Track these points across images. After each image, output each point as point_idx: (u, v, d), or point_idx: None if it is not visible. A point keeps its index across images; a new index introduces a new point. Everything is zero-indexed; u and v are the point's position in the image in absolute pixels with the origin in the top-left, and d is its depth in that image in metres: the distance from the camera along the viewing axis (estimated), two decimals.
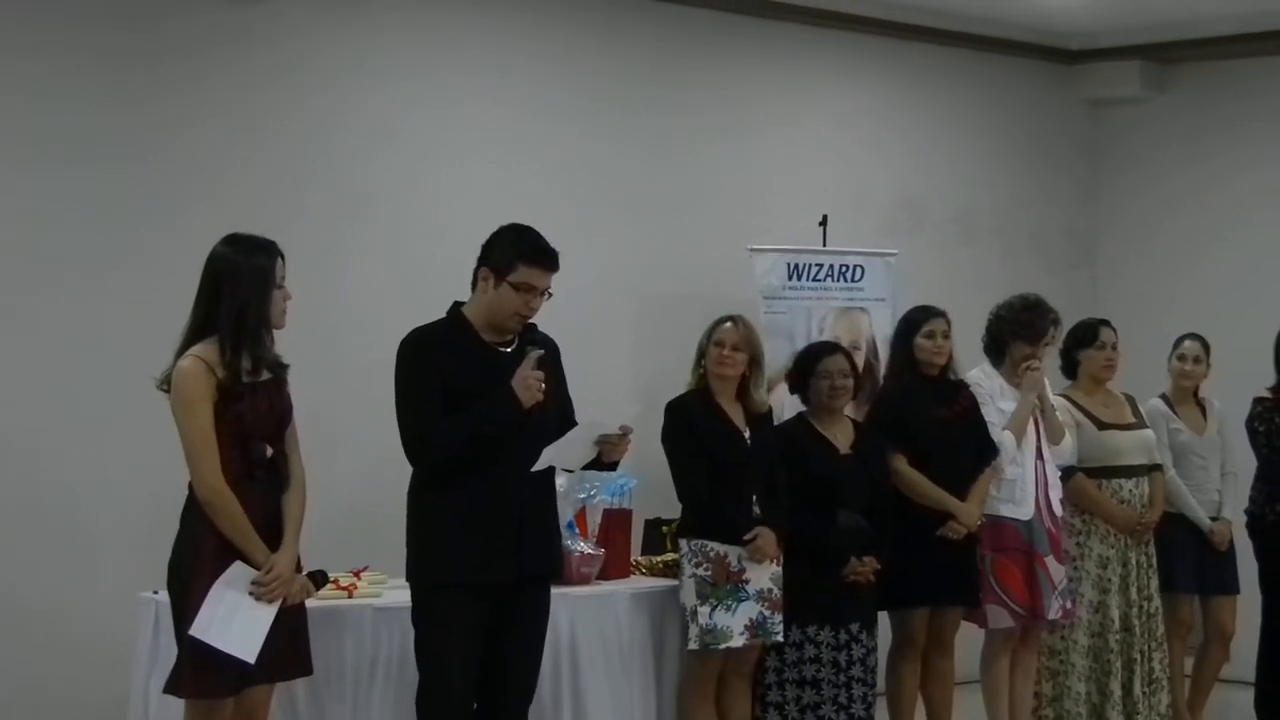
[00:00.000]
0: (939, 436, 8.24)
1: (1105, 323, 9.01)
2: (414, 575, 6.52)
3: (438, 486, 6.42)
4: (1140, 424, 8.96)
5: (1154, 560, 8.88)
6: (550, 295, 6.47)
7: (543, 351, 6.43)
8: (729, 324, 7.80)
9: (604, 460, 6.67)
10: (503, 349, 6.48)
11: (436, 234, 9.37)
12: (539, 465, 6.43)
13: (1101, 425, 8.83)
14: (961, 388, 8.43)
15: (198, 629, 5.78)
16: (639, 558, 8.35)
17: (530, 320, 6.49)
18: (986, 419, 8.38)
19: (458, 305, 6.56)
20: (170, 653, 6.12)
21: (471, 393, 6.33)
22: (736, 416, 7.78)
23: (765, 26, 10.78)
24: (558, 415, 6.54)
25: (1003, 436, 8.35)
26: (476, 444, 6.32)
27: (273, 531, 5.95)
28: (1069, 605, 8.51)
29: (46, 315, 8.42)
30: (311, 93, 9.21)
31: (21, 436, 8.34)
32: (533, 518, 6.52)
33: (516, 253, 6.41)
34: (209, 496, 5.82)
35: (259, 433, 5.93)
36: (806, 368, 8.15)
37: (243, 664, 5.82)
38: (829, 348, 8.32)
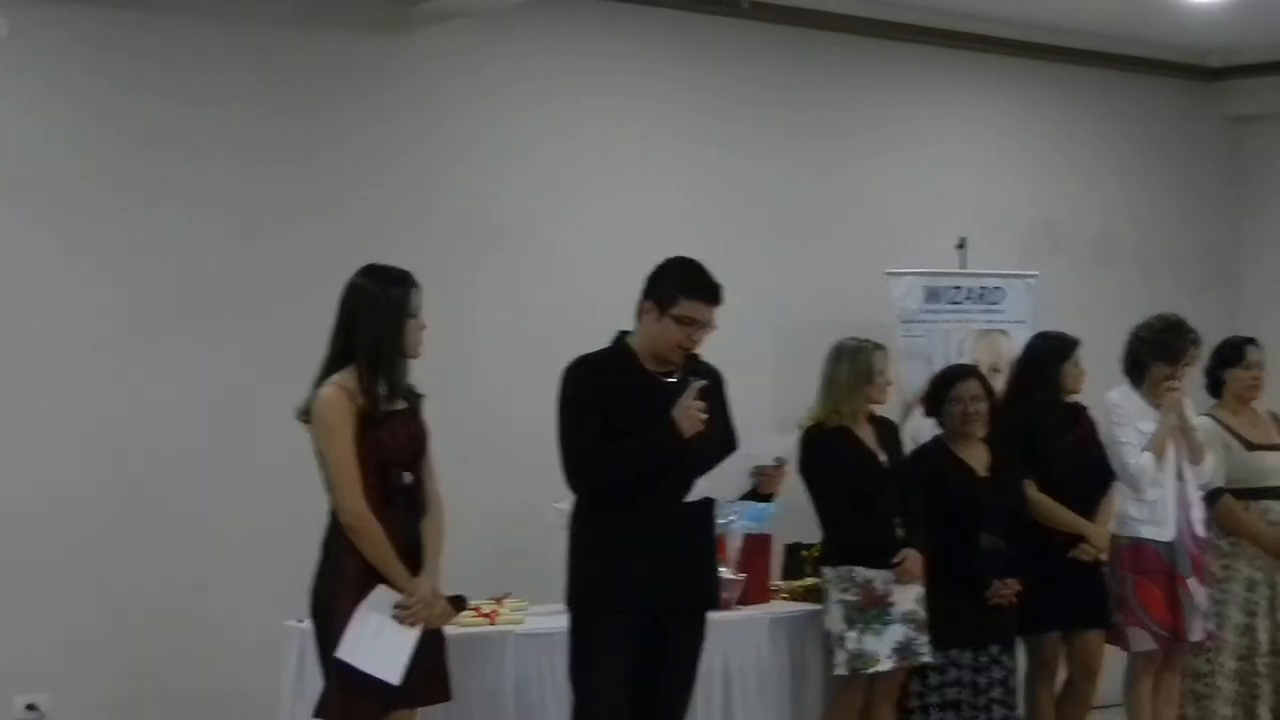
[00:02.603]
0: (1069, 460, 8.22)
1: (1252, 341, 8.90)
2: (572, 599, 6.58)
3: (598, 512, 6.49)
4: None
5: None
6: (714, 329, 6.50)
7: (705, 382, 6.47)
8: (880, 352, 7.83)
9: (760, 492, 6.69)
10: (666, 379, 6.52)
11: (570, 261, 9.43)
12: (696, 496, 6.46)
13: (1250, 446, 8.73)
14: (1082, 411, 8.41)
15: (343, 652, 5.87)
16: (779, 582, 8.36)
17: (693, 351, 6.53)
18: (1125, 440, 8.32)
19: (623, 334, 6.61)
20: (314, 680, 6.20)
21: (634, 421, 6.39)
22: (870, 440, 7.79)
23: (901, 49, 10.74)
24: (720, 443, 6.56)
25: (1142, 459, 8.28)
26: (637, 472, 6.37)
27: (412, 557, 6.03)
28: (1211, 627, 8.43)
29: (188, 350, 8.51)
30: (446, 120, 9.27)
31: (168, 470, 8.44)
32: (691, 547, 6.57)
33: (679, 286, 6.47)
34: (352, 522, 5.91)
35: (398, 460, 6.02)
36: (941, 392, 8.16)
37: (387, 686, 5.89)
38: (963, 371, 8.33)
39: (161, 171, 8.51)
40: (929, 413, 8.27)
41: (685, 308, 6.44)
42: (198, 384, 8.53)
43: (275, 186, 8.77)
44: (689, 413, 6.35)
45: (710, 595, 6.75)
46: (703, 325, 6.48)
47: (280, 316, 8.55)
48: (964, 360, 9.47)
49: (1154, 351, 8.44)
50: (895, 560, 7.64)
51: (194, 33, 8.61)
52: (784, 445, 6.74)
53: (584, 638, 6.52)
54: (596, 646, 6.46)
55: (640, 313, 6.55)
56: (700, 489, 6.46)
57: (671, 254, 6.64)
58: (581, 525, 6.58)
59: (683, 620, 6.59)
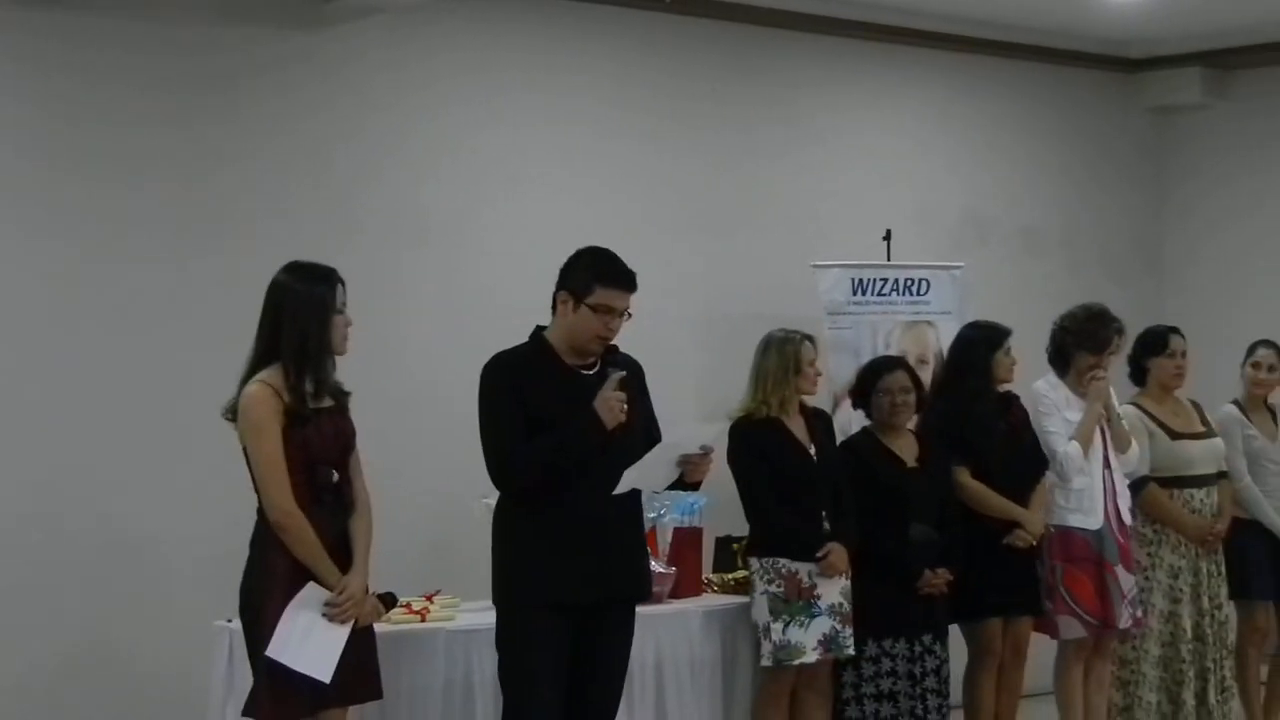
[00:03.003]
0: (1002, 448, 8.27)
1: (1175, 330, 8.97)
2: (500, 597, 6.55)
3: (523, 509, 6.45)
4: (1209, 432, 8.92)
5: (1223, 569, 8.85)
6: (630, 316, 6.50)
7: (625, 373, 6.44)
8: (809, 343, 7.86)
9: (686, 480, 6.68)
10: (585, 371, 6.50)
11: (497, 256, 9.42)
12: (623, 487, 6.43)
13: (1175, 435, 8.80)
14: (1013, 399, 8.47)
15: (274, 650, 5.84)
16: (710, 575, 8.37)
17: (611, 341, 6.52)
18: (1052, 429, 8.39)
19: (540, 329, 6.59)
20: (245, 680, 6.18)
21: (554, 416, 6.36)
22: (800, 431, 7.82)
23: (827, 42, 10.78)
24: (642, 435, 6.55)
25: (1069, 447, 8.34)
26: (560, 466, 6.35)
27: (340, 556, 6.01)
28: (1139, 614, 8.49)
29: (111, 348, 8.45)
30: (371, 117, 9.24)
31: (91, 472, 8.37)
32: (619, 539, 6.53)
33: (593, 275, 6.44)
34: (281, 519, 5.89)
35: (325, 458, 6.00)
36: (868, 384, 8.19)
37: (318, 684, 5.88)
38: (891, 363, 8.36)
39: (85, 171, 8.43)
40: (857, 404, 8.31)
41: (601, 296, 6.41)
42: (117, 385, 8.45)
43: (200, 186, 8.70)
44: (609, 404, 6.33)
45: (640, 586, 6.73)
46: (619, 313, 6.46)
47: (208, 315, 8.50)
48: (891, 352, 9.51)
49: (1079, 341, 8.50)
50: (819, 554, 7.68)
51: (107, 32, 8.51)
52: (709, 434, 6.73)
53: (514, 635, 6.49)
54: (527, 644, 6.43)
55: (555, 305, 6.53)
56: (627, 480, 6.45)
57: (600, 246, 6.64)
58: (507, 521, 6.55)
59: (613, 613, 6.57)
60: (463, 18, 9.49)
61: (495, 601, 6.57)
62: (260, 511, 5.96)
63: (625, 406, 6.37)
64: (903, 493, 7.97)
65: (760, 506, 7.78)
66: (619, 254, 6.55)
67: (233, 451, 6.06)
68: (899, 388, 8.10)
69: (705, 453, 6.60)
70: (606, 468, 6.38)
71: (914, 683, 7.95)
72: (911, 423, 8.22)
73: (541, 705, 6.41)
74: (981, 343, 8.42)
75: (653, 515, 7.98)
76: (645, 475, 6.51)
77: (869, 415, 8.21)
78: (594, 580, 6.43)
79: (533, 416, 6.37)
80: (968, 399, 8.31)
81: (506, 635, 6.52)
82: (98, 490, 8.39)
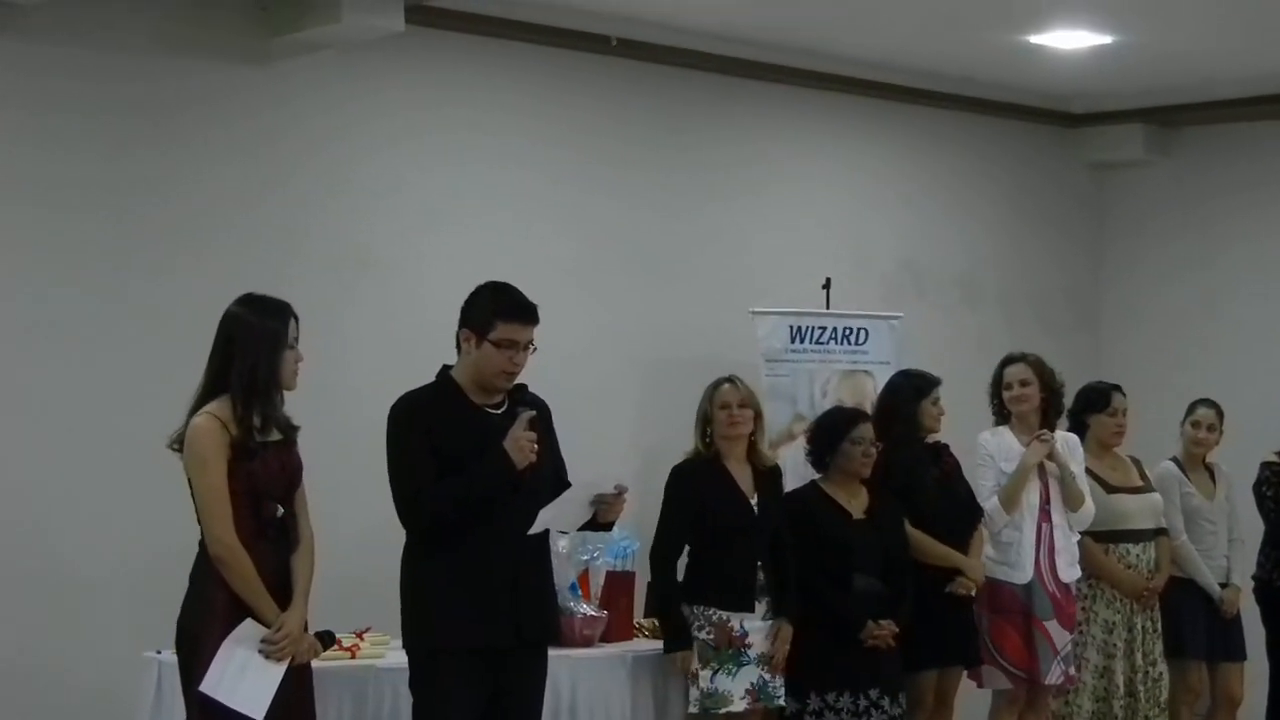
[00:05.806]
0: (939, 497, 8.25)
1: (1117, 388, 8.99)
2: (410, 641, 6.49)
3: (432, 550, 6.39)
4: (1147, 487, 8.93)
5: (1159, 625, 8.84)
6: (534, 349, 6.46)
7: (535, 413, 6.40)
8: (727, 384, 7.83)
9: (600, 521, 6.63)
10: (492, 410, 6.46)
11: (437, 295, 9.24)
12: (538, 528, 6.38)
13: (1110, 488, 8.81)
14: (944, 449, 8.46)
15: (208, 685, 5.78)
16: (641, 620, 8.33)
17: (519, 379, 6.48)
18: (982, 482, 8.44)
19: (446, 369, 6.55)
20: (173, 712, 6.11)
21: (463, 455, 6.32)
22: (744, 480, 7.78)
23: (768, 90, 10.77)
24: (551, 476, 6.51)
25: (988, 504, 8.35)
26: (470, 507, 6.29)
27: (280, 591, 5.95)
28: (1072, 671, 8.46)
29: (46, 371, 8.32)
30: (312, 153, 9.15)
31: (22, 496, 8.26)
32: (528, 581, 6.48)
33: (493, 311, 6.41)
34: (222, 553, 5.82)
35: (270, 492, 5.95)
36: (838, 434, 8.08)
37: None
38: (857, 414, 8.29)
39: (24, 199, 8.32)
40: (816, 453, 8.17)
41: (503, 331, 6.38)
42: (52, 409, 8.33)
43: (139, 216, 8.59)
44: (519, 444, 6.30)
45: (549, 628, 6.70)
46: (523, 347, 6.42)
47: (145, 345, 8.41)
48: (828, 401, 9.49)
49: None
50: (769, 639, 7.67)
51: (52, 59, 8.42)
52: (625, 474, 6.68)
53: (424, 680, 6.44)
54: (438, 689, 6.39)
55: (459, 343, 6.50)
56: (544, 520, 6.39)
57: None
58: (414, 564, 6.50)
59: (523, 655, 6.50)
60: (409, 56, 9.41)
61: (405, 646, 6.53)
62: (202, 544, 5.90)
63: (535, 447, 6.33)
64: (846, 545, 7.90)
65: (663, 550, 7.75)
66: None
67: (172, 482, 5.99)
68: (870, 439, 8.03)
69: (619, 493, 6.55)
70: (517, 508, 6.33)
71: None
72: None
73: None
74: (909, 390, 8.42)
75: (585, 558, 7.95)
76: (561, 516, 6.47)
77: (823, 466, 8.13)
78: (502, 623, 6.38)
79: (442, 456, 6.33)
80: (893, 446, 8.25)
81: (418, 681, 6.48)
82: (32, 514, 8.25)
